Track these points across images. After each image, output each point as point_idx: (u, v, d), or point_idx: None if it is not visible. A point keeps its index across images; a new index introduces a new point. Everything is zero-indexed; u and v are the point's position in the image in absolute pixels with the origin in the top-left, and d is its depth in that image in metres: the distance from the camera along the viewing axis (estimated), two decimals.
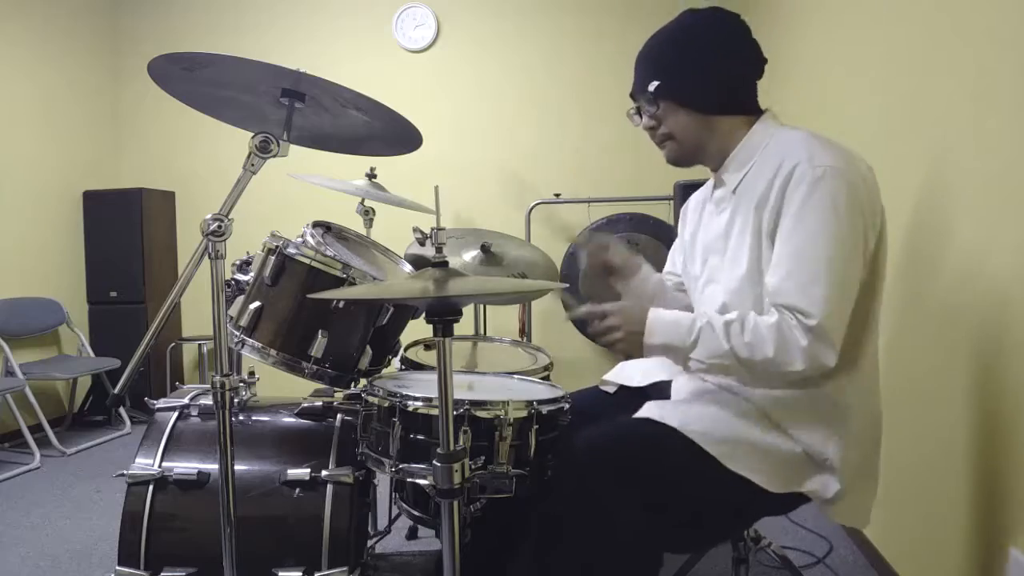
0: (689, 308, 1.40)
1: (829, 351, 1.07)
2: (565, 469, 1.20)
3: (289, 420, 1.51)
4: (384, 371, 1.56)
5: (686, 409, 1.20)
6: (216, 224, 1.17)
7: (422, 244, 2.23)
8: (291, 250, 1.41)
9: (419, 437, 1.19)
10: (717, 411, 1.18)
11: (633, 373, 1.44)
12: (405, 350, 1.77)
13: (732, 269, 1.21)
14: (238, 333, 1.42)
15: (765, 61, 1.25)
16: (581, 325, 1.25)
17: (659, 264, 1.54)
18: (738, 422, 1.17)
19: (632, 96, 1.31)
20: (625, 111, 1.33)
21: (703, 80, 1.23)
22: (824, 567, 1.98)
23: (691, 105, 1.23)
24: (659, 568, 1.13)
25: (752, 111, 1.26)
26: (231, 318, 1.44)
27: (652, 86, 1.24)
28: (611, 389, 1.46)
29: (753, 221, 1.17)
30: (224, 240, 1.19)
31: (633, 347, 1.18)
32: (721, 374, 1.19)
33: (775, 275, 1.12)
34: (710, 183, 1.39)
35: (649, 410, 1.20)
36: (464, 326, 1.35)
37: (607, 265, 1.44)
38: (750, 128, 1.24)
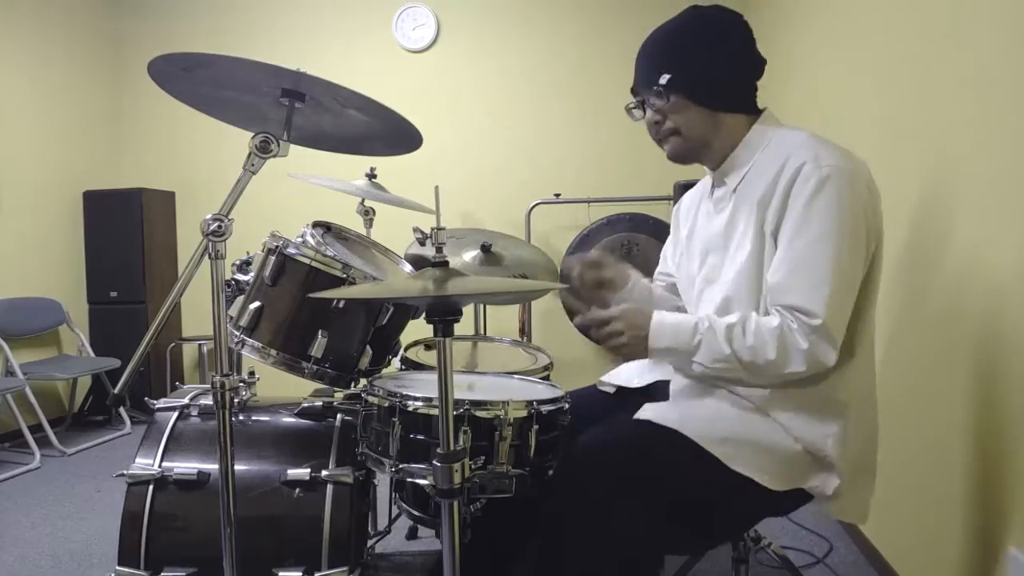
0: (679, 310, 1.40)
1: (830, 350, 1.09)
2: (565, 471, 1.20)
3: (289, 420, 1.51)
4: (384, 371, 1.56)
5: (685, 409, 1.20)
6: (216, 224, 1.17)
7: (422, 244, 2.23)
8: (291, 250, 1.42)
9: (419, 437, 1.19)
10: (717, 411, 1.19)
11: (631, 375, 1.44)
12: (405, 350, 1.77)
13: (733, 267, 1.21)
14: (238, 333, 1.42)
15: (765, 62, 1.27)
16: (586, 330, 1.26)
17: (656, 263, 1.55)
18: (738, 421, 1.17)
19: (633, 91, 1.30)
20: (625, 111, 1.33)
21: (713, 76, 1.23)
22: (824, 567, 1.98)
23: (701, 101, 1.23)
24: (660, 569, 1.13)
25: (752, 110, 1.27)
26: (231, 318, 1.44)
27: (664, 79, 1.23)
28: (610, 390, 1.46)
29: (756, 219, 1.18)
30: (224, 240, 1.19)
31: (637, 351, 1.19)
32: (721, 377, 1.18)
33: (778, 273, 1.12)
34: (705, 183, 1.39)
35: (648, 411, 1.20)
36: (464, 326, 1.35)
37: (601, 281, 1.43)
38: (750, 127, 1.25)
